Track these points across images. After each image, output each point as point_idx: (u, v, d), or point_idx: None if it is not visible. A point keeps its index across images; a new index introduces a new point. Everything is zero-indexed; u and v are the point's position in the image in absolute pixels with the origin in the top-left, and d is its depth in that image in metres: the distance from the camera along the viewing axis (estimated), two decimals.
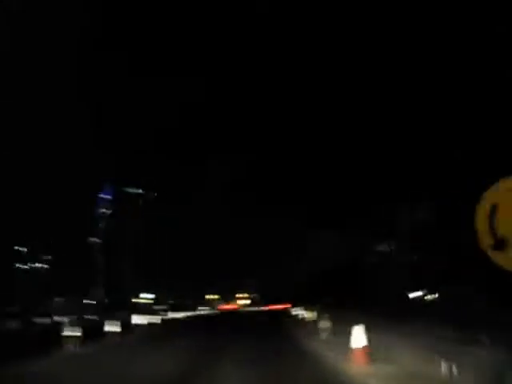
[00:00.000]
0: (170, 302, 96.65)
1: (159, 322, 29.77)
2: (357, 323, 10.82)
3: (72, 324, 14.44)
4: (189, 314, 48.19)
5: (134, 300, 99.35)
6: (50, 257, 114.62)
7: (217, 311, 71.84)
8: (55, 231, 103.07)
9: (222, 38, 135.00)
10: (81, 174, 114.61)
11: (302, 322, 22.28)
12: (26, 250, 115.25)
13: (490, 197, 5.36)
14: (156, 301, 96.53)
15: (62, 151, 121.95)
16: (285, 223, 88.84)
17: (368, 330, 10.54)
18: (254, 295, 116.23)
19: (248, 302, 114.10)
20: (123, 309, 60.60)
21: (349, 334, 11.06)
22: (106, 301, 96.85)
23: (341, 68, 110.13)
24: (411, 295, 56.15)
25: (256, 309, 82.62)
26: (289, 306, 69.00)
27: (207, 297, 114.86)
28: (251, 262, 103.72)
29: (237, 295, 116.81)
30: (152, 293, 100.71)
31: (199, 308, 74.84)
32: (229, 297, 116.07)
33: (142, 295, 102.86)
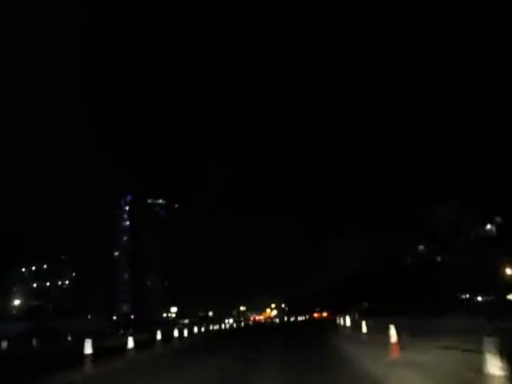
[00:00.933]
0: (201, 313, 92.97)
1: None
2: None
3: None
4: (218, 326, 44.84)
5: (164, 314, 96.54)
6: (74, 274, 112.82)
7: (249, 323, 67.76)
8: (77, 246, 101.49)
9: (222, 38, 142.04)
10: (98, 187, 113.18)
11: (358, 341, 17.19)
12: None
13: None
14: (180, 314, 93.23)
15: (69, 156, 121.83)
16: (306, 230, 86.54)
17: None
18: (282, 306, 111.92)
19: (275, 312, 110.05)
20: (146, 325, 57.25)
21: None
22: (132, 317, 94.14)
23: (343, 68, 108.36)
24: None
25: (288, 319, 77.80)
26: (325, 314, 65.02)
27: (239, 308, 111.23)
28: (275, 273, 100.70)
29: (265, 307, 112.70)
30: (176, 306, 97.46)
31: (228, 320, 71.18)
32: (256, 308, 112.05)
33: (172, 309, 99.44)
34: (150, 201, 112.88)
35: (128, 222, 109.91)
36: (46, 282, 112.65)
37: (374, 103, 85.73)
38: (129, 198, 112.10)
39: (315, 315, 74.95)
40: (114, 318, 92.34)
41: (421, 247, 65.71)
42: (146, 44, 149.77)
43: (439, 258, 63.46)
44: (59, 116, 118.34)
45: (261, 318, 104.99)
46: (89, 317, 78.82)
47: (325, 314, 67.70)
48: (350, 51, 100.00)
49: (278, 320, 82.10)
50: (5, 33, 60.72)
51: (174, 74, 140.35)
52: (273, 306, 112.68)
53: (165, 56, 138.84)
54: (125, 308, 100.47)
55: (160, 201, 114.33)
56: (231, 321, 74.90)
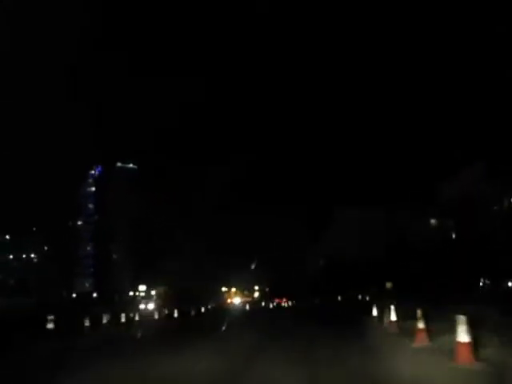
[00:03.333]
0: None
1: None
2: None
3: None
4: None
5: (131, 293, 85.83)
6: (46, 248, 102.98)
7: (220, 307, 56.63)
8: (38, 216, 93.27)
9: (222, 37, 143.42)
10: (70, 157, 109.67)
11: None
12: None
13: None
14: (147, 293, 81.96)
15: (59, 146, 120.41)
16: (306, 230, 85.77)
17: None
18: (264, 288, 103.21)
19: (257, 295, 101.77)
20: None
21: None
22: (95, 295, 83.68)
23: (343, 68, 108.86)
24: None
25: (266, 305, 67.95)
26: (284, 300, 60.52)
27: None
28: (258, 254, 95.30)
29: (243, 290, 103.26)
30: (146, 284, 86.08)
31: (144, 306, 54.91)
32: (237, 289, 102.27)
33: (140, 288, 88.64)
34: (119, 164, 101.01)
35: (94, 188, 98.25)
36: (9, 255, 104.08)
37: (372, 103, 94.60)
38: (98, 169, 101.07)
39: (278, 301, 74.10)
40: (74, 295, 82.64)
41: (433, 221, 55.97)
42: (146, 44, 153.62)
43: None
44: (59, 116, 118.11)
45: (245, 299, 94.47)
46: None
47: (284, 300, 68.13)
48: (351, 51, 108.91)
49: (248, 306, 70.85)
50: (5, 33, 60.97)
51: (174, 74, 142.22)
52: (256, 287, 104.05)
53: (165, 56, 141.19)
54: (87, 285, 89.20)
55: (131, 165, 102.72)
56: (149, 306, 50.95)
